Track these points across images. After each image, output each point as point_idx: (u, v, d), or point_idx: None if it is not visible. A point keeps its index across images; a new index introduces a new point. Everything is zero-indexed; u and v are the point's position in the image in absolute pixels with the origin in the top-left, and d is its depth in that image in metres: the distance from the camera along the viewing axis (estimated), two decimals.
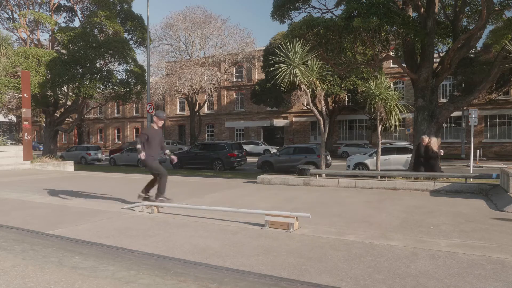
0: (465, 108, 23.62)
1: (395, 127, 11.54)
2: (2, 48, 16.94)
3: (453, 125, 33.88)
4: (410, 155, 13.91)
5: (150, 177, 7.25)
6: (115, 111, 53.24)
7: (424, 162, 10.30)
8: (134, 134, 52.08)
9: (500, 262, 3.89)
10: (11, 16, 26.57)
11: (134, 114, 51.76)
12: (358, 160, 18.31)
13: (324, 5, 19.68)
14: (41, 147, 31.72)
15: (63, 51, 23.30)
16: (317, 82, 11.09)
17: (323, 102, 11.76)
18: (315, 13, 15.00)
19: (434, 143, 10.26)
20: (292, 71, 10.41)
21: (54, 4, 25.98)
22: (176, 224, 5.75)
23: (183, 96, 39.51)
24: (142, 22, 25.60)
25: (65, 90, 23.60)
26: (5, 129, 44.90)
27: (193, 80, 33.98)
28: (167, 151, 7.47)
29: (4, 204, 7.61)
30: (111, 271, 2.87)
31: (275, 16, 14.72)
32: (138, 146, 6.63)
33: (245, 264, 3.87)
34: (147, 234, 5.11)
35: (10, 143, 19.34)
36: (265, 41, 74.21)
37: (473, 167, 17.19)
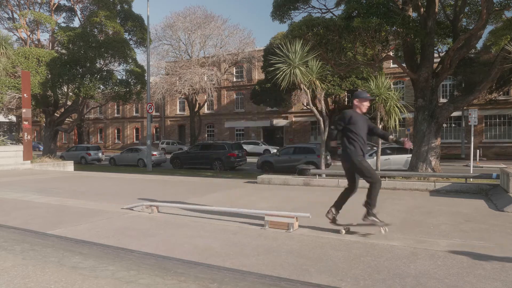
0: (465, 108, 23.66)
1: (395, 127, 11.54)
2: (2, 48, 16.93)
3: (453, 125, 33.87)
4: (410, 155, 13.90)
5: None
6: (115, 111, 53.24)
7: None
8: (134, 134, 52.10)
9: (500, 262, 3.89)
10: (11, 16, 26.60)
11: (134, 114, 51.76)
12: None
13: (324, 5, 19.68)
14: (41, 147, 31.72)
15: (63, 51, 23.30)
16: (317, 82, 11.09)
17: (323, 102, 11.76)
18: (315, 13, 15.00)
19: None
20: (292, 71, 10.41)
21: (54, 4, 25.98)
22: (176, 224, 5.75)
23: (183, 96, 39.51)
24: (142, 22, 25.62)
25: (65, 90, 23.60)
26: (5, 129, 44.89)
27: (193, 80, 33.98)
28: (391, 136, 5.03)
29: (4, 204, 7.61)
30: (111, 271, 2.87)
31: (275, 16, 14.72)
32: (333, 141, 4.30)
33: (245, 264, 3.87)
34: (147, 234, 5.11)
35: (10, 143, 19.33)
36: (265, 41, 74.24)
37: (473, 167, 17.18)
